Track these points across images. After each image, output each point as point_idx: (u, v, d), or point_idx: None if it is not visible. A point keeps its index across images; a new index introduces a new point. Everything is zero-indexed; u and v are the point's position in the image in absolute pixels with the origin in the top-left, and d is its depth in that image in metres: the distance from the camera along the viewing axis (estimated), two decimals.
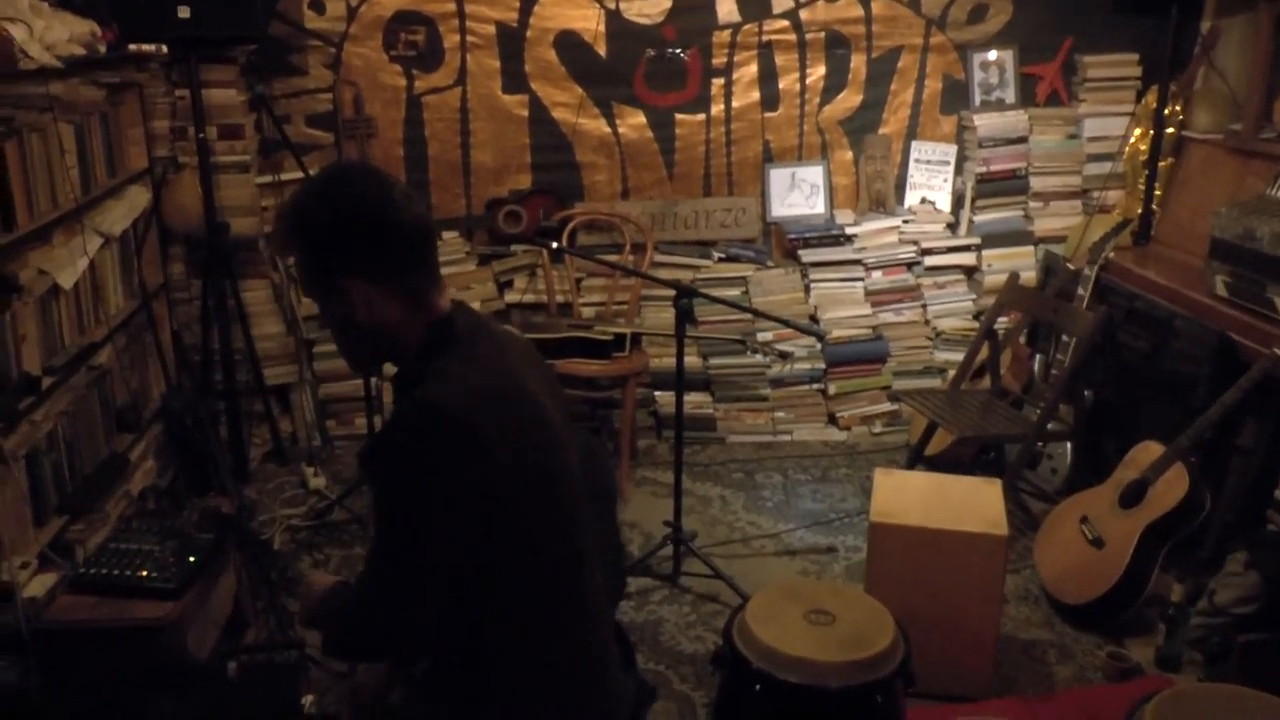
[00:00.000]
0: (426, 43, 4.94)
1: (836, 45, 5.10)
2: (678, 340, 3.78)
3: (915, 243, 5.15)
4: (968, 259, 5.18)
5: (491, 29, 4.94)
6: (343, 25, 4.86)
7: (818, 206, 5.21)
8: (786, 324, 4.10)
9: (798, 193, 5.21)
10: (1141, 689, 2.83)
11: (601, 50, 5.01)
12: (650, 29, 5.00)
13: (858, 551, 4.02)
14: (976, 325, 5.01)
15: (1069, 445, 4.35)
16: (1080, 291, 4.38)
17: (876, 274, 5.14)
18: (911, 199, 5.26)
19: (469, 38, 4.94)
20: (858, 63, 5.13)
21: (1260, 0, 4.35)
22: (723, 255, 5.15)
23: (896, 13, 5.07)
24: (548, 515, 1.74)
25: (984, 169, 5.11)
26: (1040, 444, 4.37)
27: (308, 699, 2.76)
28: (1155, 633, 3.50)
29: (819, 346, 5.08)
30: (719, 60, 5.07)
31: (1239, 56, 4.64)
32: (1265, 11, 4.33)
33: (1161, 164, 4.67)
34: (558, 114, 5.05)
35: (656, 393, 5.06)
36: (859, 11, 5.05)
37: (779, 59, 5.09)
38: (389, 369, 1.81)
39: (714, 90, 5.11)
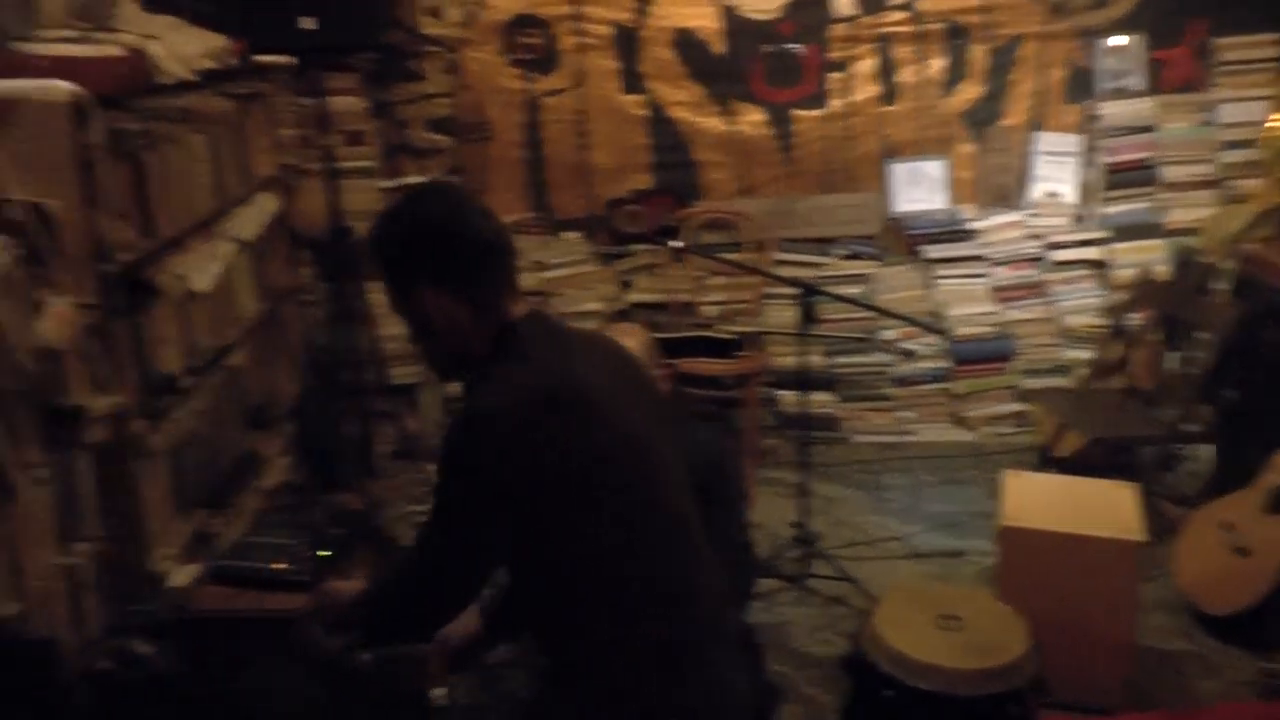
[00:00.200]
0: (544, 45, 4.97)
1: (955, 35, 5.00)
2: (800, 339, 3.75)
3: (1040, 237, 5.02)
4: (1095, 253, 5.02)
5: (608, 30, 4.96)
6: (460, 30, 4.93)
7: (939, 201, 5.11)
8: (909, 321, 4.03)
9: (919, 187, 5.12)
10: None
11: (718, 48, 4.99)
12: (767, 25, 4.97)
13: (987, 555, 3.92)
14: (1106, 322, 4.86)
15: (1209, 448, 4.19)
16: (1217, 285, 4.22)
17: (1001, 269, 5.02)
18: (1036, 192, 5.12)
19: (586, 39, 4.97)
20: (977, 53, 5.03)
21: None
22: (844, 252, 5.08)
23: (1017, 0, 4.94)
24: (610, 506, 1.80)
25: (1111, 159, 4.96)
26: (1178, 446, 4.22)
27: (437, 691, 2.80)
28: None
29: (943, 344, 4.98)
30: (836, 54, 5.01)
31: None
32: None
33: None
34: (675, 113, 5.05)
35: (779, 392, 5.02)
36: (978, 0, 4.94)
37: (897, 51, 5.02)
38: None
39: (832, 85, 5.05)
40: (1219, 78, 4.95)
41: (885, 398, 5.03)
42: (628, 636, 1.85)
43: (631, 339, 2.82)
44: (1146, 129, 4.97)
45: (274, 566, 2.80)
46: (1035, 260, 5.04)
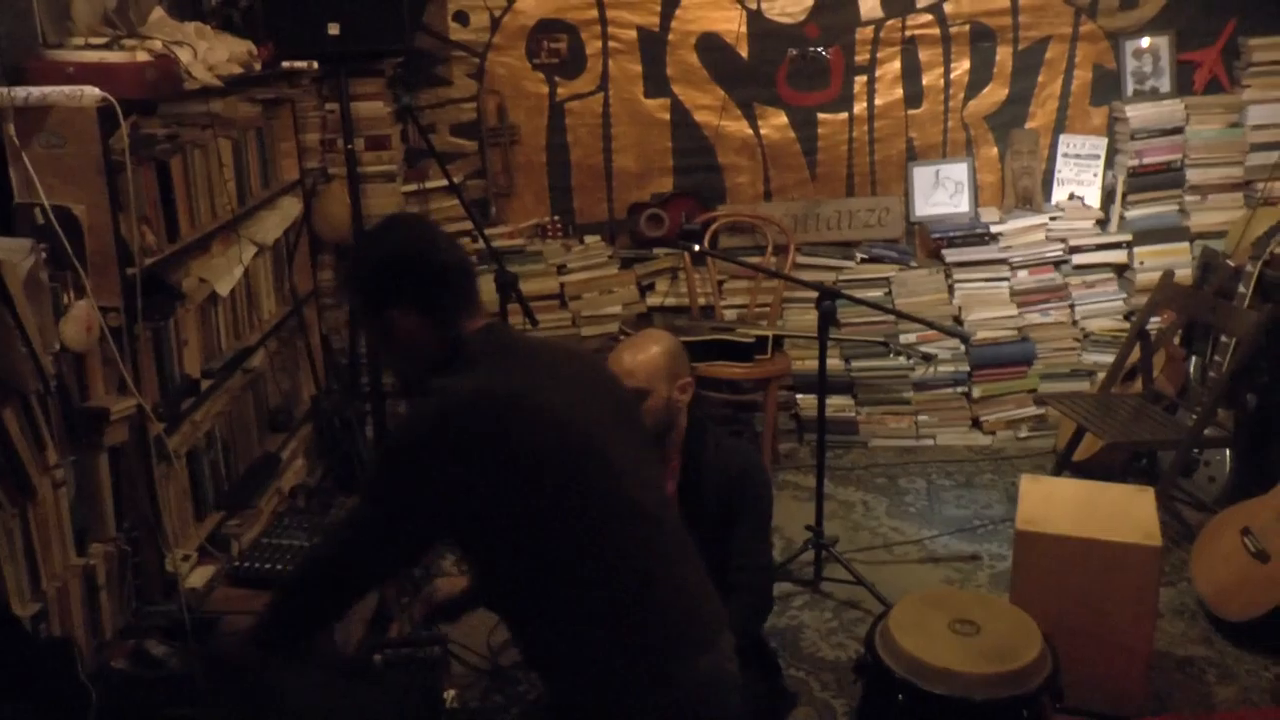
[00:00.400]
0: (569, 50, 5.00)
1: (981, 38, 4.98)
2: (820, 343, 3.75)
3: (1063, 240, 5.00)
4: (1118, 257, 5.00)
5: (633, 34, 4.98)
6: (486, 35, 4.96)
7: (962, 205, 5.10)
8: (930, 325, 4.02)
9: (942, 191, 5.11)
10: None
11: (743, 51, 5.00)
12: (792, 28, 4.97)
13: (1003, 560, 3.92)
14: (1127, 326, 4.83)
15: (1229, 453, 4.16)
16: (1241, 289, 4.19)
17: (1023, 273, 5.00)
18: (1059, 195, 5.10)
19: (611, 43, 4.98)
20: (1003, 55, 5.00)
21: None
22: (865, 256, 5.08)
23: (1044, 2, 4.93)
24: (558, 501, 1.89)
25: (1136, 162, 4.92)
26: (1197, 451, 4.19)
27: (450, 693, 2.83)
28: None
29: (963, 349, 4.97)
30: (862, 57, 5.01)
31: None
32: None
33: None
34: (700, 117, 5.06)
35: (798, 395, 5.02)
36: (1005, 2, 4.93)
37: (923, 54, 5.01)
38: None
39: (857, 88, 5.04)
40: (1248, 79, 4.90)
41: (904, 402, 5.02)
42: (590, 628, 1.93)
43: (656, 344, 2.83)
44: (1174, 131, 4.93)
45: (291, 568, 2.83)
46: (1057, 264, 5.02)
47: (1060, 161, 5.08)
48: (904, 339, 4.94)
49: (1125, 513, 3.20)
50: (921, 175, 5.10)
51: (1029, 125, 5.07)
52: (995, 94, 5.05)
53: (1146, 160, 4.93)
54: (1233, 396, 4.13)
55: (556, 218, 5.08)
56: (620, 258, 5.12)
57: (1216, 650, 3.44)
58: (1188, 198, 4.97)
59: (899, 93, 5.05)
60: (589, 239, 5.13)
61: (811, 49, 4.98)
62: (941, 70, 5.02)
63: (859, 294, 4.54)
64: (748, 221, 5.05)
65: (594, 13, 4.96)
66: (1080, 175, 5.06)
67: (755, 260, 4.80)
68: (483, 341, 1.98)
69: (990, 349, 4.97)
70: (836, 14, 4.95)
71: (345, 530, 2.09)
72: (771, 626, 3.55)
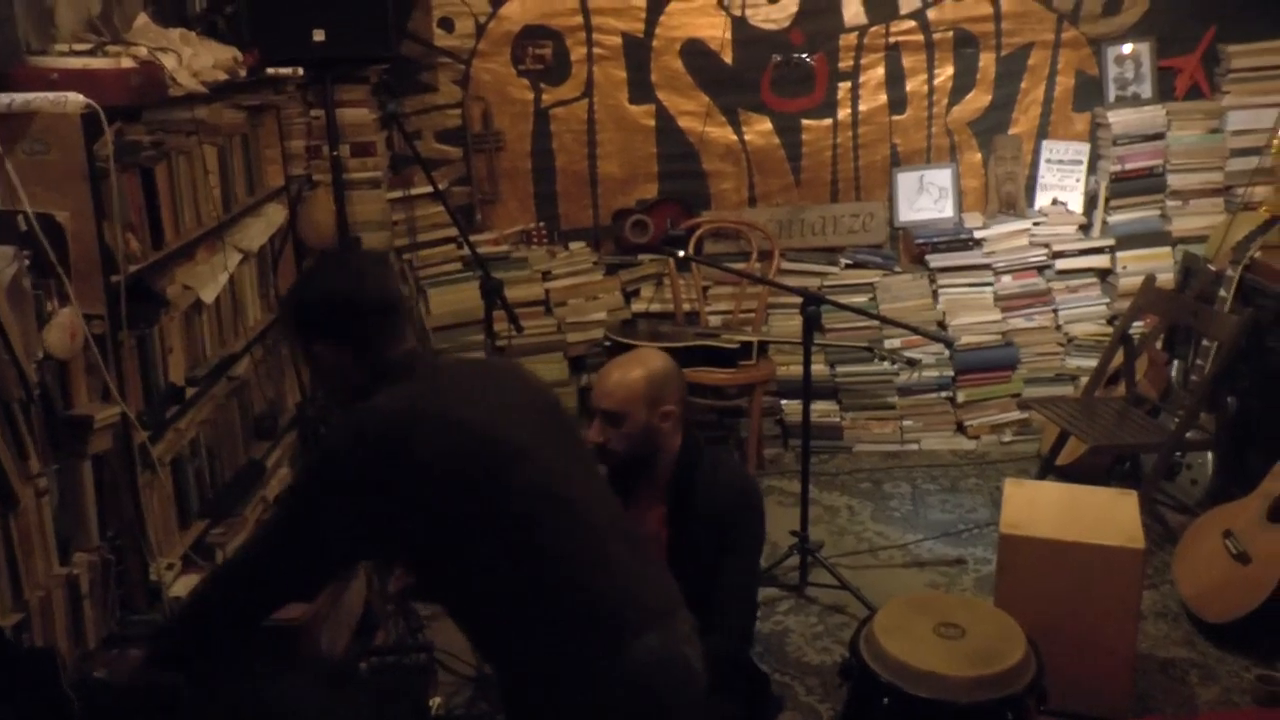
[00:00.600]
0: (554, 56, 5.01)
1: (965, 44, 5.01)
2: (805, 348, 3.76)
3: (1046, 245, 5.03)
4: (1101, 261, 5.03)
5: (618, 40, 4.99)
6: (471, 42, 4.97)
7: (946, 210, 5.12)
8: (915, 331, 4.04)
9: (926, 196, 5.14)
10: None
11: (728, 58, 5.01)
12: (777, 34, 4.99)
13: (987, 564, 3.94)
14: (1110, 330, 4.86)
15: (1210, 455, 4.19)
16: (1222, 293, 4.22)
17: (1006, 278, 5.03)
18: (1042, 200, 5.13)
19: (595, 50, 4.99)
20: (987, 61, 5.03)
21: None
22: (850, 261, 5.10)
23: (1027, 8, 4.96)
24: (480, 502, 2.00)
25: (1119, 167, 4.96)
26: (1179, 454, 4.22)
27: (435, 700, 2.83)
28: None
29: (947, 353, 5.00)
30: (846, 64, 5.03)
31: None
32: None
33: None
34: (684, 123, 5.07)
35: (783, 401, 5.04)
36: (988, 9, 4.96)
37: (906, 60, 5.03)
38: None
39: (841, 94, 5.07)
40: (1228, 85, 4.94)
41: (889, 407, 5.04)
42: (525, 616, 2.02)
43: (641, 368, 2.78)
44: (1155, 136, 4.96)
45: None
46: (1040, 269, 5.05)
47: (1043, 167, 5.11)
48: (888, 344, 4.96)
49: (1108, 516, 3.23)
50: (905, 181, 5.12)
51: (1012, 131, 5.10)
52: (978, 100, 5.08)
53: (1129, 166, 4.97)
54: (1214, 400, 4.15)
55: (541, 224, 5.09)
56: (605, 264, 5.13)
57: (1199, 652, 3.46)
58: (1169, 203, 5.01)
59: (883, 99, 5.07)
60: (574, 245, 5.13)
61: (795, 55, 5.00)
62: (925, 76, 5.05)
63: (843, 299, 4.55)
64: (732, 227, 5.06)
65: (579, 19, 4.97)
66: (1063, 180, 5.10)
67: (740, 266, 4.81)
68: (402, 365, 2.12)
69: (974, 354, 5.00)
70: (820, 21, 4.97)
71: (259, 544, 2.17)
72: (757, 632, 3.56)
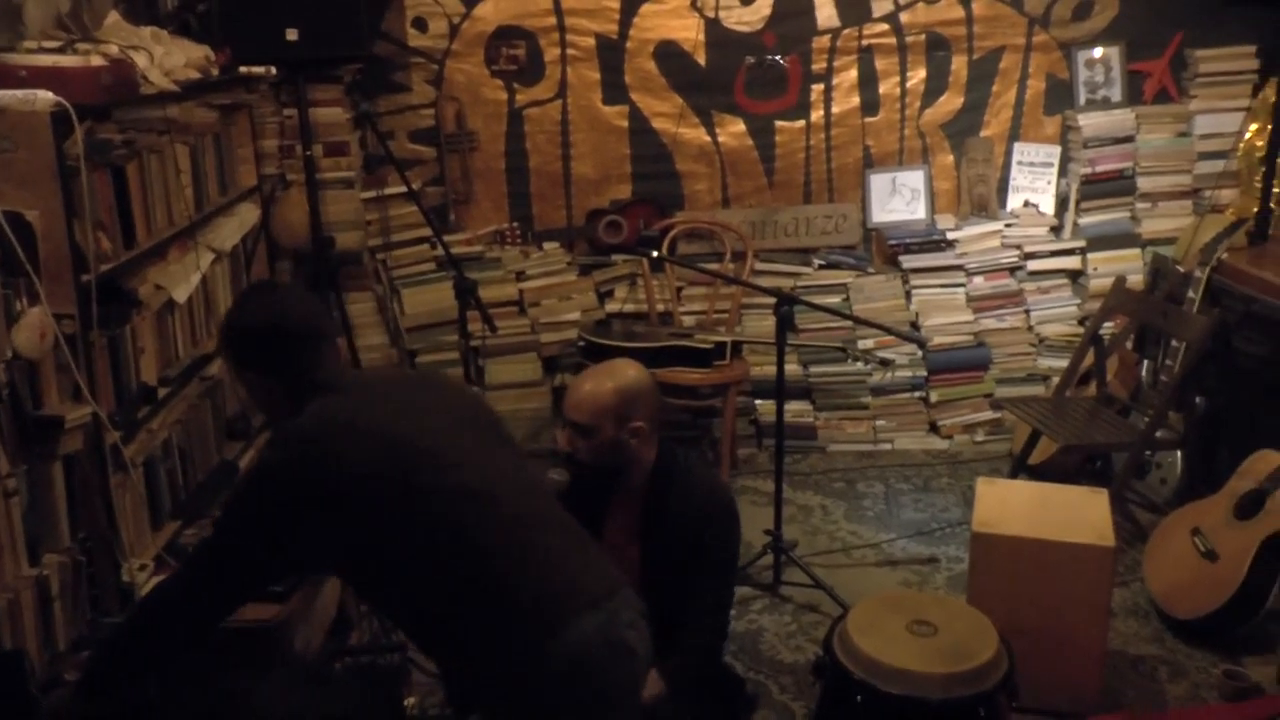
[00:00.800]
0: (527, 57, 5.00)
1: (937, 47, 5.04)
2: (778, 348, 3.78)
3: (1018, 247, 5.07)
4: (1072, 263, 5.07)
5: (591, 41, 4.99)
6: (445, 42, 4.96)
7: (919, 211, 5.15)
8: (888, 331, 4.07)
9: (898, 198, 5.16)
10: (1260, 710, 2.75)
11: (701, 59, 5.02)
12: (750, 36, 5.01)
13: (960, 562, 3.96)
14: (1081, 331, 4.90)
15: (1179, 454, 4.24)
16: (1191, 295, 4.26)
17: (978, 279, 5.06)
18: (1014, 202, 5.17)
19: (569, 50, 5.00)
20: (959, 64, 5.07)
21: None
22: (823, 262, 5.12)
23: (998, 12, 4.99)
24: (399, 503, 2.08)
25: (1089, 170, 5.00)
26: (1149, 453, 4.26)
27: (410, 700, 2.82)
28: (1277, 650, 3.39)
29: (920, 354, 5.02)
30: (819, 66, 5.05)
31: None
32: None
33: None
34: (658, 124, 5.08)
35: (757, 401, 5.05)
36: (960, 12, 4.99)
37: (879, 63, 5.06)
38: None
39: (814, 96, 5.09)
40: (1195, 89, 4.99)
41: (862, 407, 5.06)
42: (454, 609, 2.09)
43: (611, 381, 2.75)
44: (1125, 140, 5.01)
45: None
46: (1012, 270, 5.08)
47: (1015, 169, 5.15)
48: (862, 344, 4.98)
49: (1079, 514, 3.25)
50: (878, 182, 5.15)
51: (984, 133, 5.13)
52: (951, 102, 5.11)
53: (1099, 168, 5.01)
54: (1183, 400, 4.20)
55: (515, 224, 5.09)
56: (579, 264, 5.13)
57: (1168, 648, 3.50)
58: (1139, 205, 5.06)
59: (856, 101, 5.09)
60: (548, 245, 5.13)
61: (769, 57, 5.02)
62: (898, 79, 5.07)
63: (817, 300, 4.56)
64: (706, 228, 5.08)
65: (552, 20, 4.97)
66: (1034, 183, 5.13)
67: (713, 267, 4.83)
68: (328, 384, 2.23)
69: (947, 354, 5.03)
70: (794, 23, 4.99)
71: (193, 563, 2.24)
72: (732, 631, 3.56)
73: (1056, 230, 5.12)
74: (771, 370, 3.98)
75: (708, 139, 5.10)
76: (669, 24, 4.98)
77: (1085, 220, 5.07)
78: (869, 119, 5.12)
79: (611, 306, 5.12)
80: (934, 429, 5.10)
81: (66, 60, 2.79)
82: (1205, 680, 3.33)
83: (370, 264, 4.96)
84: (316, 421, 2.14)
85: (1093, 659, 3.15)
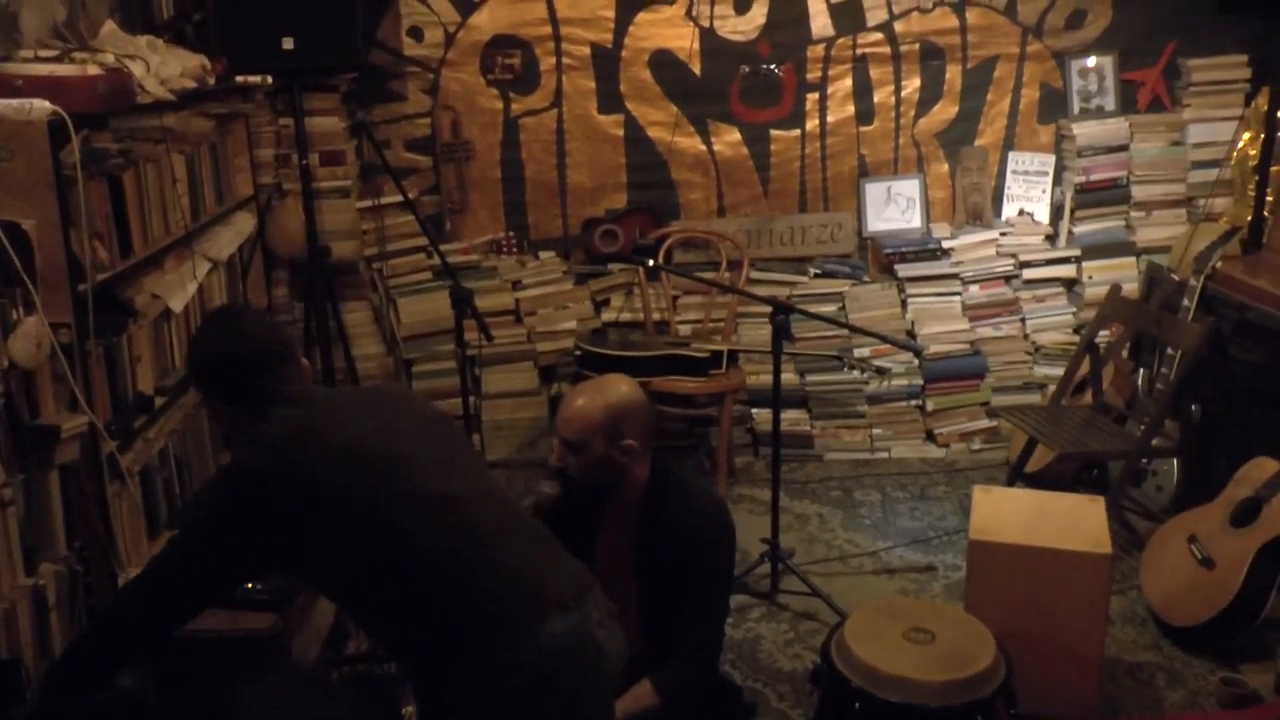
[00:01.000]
0: (523, 66, 5.01)
1: (931, 56, 5.06)
2: (774, 357, 3.78)
3: (1013, 255, 5.08)
4: (1067, 271, 5.08)
5: (587, 50, 5.00)
6: (440, 51, 4.97)
7: (914, 220, 5.16)
8: (884, 339, 4.07)
9: (894, 207, 5.17)
10: (1259, 717, 2.75)
11: (696, 68, 5.03)
12: (745, 46, 5.02)
13: (957, 570, 3.96)
14: (1077, 339, 4.91)
15: (1175, 462, 4.24)
16: (1185, 303, 4.27)
17: (974, 288, 5.07)
18: (1009, 211, 5.18)
19: (564, 60, 5.00)
20: (953, 73, 5.08)
21: None
22: (819, 271, 5.13)
23: (992, 21, 5.01)
24: (363, 509, 2.12)
25: (1083, 179, 5.02)
26: (1145, 460, 4.27)
27: (408, 709, 2.81)
28: (1274, 658, 3.39)
29: (916, 362, 5.03)
30: (813, 75, 5.06)
31: None
32: None
33: (1273, 168, 4.53)
34: (653, 133, 5.09)
35: (753, 410, 5.05)
36: (954, 22, 5.00)
37: (874, 72, 5.07)
38: None
39: (809, 105, 5.10)
40: (1188, 98, 5.01)
41: (859, 415, 5.06)
42: (420, 612, 2.13)
43: (602, 398, 2.72)
44: (1119, 148, 5.02)
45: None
46: (1008, 279, 5.09)
47: (1009, 178, 5.16)
48: (858, 353, 4.99)
49: (1076, 522, 3.25)
50: (873, 191, 5.16)
51: (978, 142, 5.15)
52: (945, 111, 5.12)
53: (1093, 177, 5.03)
54: (1178, 408, 4.20)
55: (511, 233, 5.09)
56: (575, 273, 5.13)
57: (1165, 655, 3.50)
58: (1133, 213, 5.07)
59: (850, 110, 5.10)
60: (544, 255, 5.13)
61: (764, 66, 5.03)
62: (892, 88, 5.09)
63: (812, 309, 4.57)
64: (701, 237, 5.08)
65: (548, 29, 4.98)
66: (1029, 191, 5.15)
67: (709, 275, 4.83)
68: (290, 400, 2.26)
69: (943, 363, 5.03)
70: (788, 32, 5.00)
71: (157, 569, 2.25)
72: (729, 639, 3.56)
73: (1051, 239, 5.13)
74: (768, 379, 3.98)
75: (703, 148, 5.11)
76: (664, 33, 4.99)
77: (1080, 229, 5.08)
78: (864, 128, 5.13)
79: (608, 315, 5.12)
80: (930, 437, 5.10)
81: (63, 69, 2.79)
82: (1203, 687, 3.33)
83: (366, 273, 4.96)
84: (287, 428, 2.18)
85: (1090, 666, 3.15)
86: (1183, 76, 5.01)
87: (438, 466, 2.25)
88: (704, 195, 5.17)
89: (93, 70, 2.83)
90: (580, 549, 2.76)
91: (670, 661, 2.71)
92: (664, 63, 5.03)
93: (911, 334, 5.04)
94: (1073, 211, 5.07)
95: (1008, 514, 3.33)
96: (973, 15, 4.99)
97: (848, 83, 5.08)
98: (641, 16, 4.96)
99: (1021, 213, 5.15)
